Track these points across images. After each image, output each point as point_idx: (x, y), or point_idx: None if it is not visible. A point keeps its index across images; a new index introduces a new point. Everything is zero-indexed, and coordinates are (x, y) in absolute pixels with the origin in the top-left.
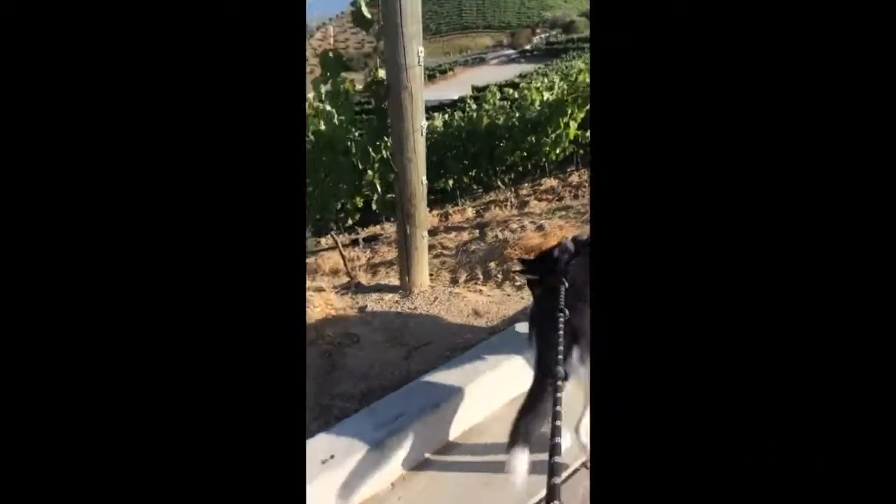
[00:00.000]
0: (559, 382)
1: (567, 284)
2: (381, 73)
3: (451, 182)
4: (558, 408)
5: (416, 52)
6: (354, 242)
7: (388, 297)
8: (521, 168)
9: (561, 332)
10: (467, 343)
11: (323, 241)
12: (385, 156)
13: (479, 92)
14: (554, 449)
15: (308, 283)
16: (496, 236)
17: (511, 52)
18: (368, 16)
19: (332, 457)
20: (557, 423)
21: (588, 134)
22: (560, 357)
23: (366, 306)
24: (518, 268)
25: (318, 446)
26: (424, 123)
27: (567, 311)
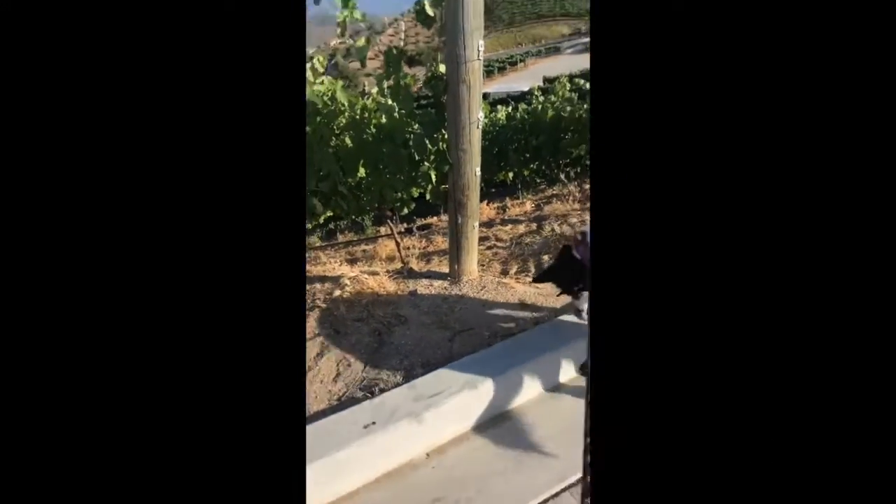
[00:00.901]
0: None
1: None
2: (442, 68)
3: (510, 175)
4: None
5: (476, 46)
6: (409, 231)
7: (437, 283)
8: (587, 162)
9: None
10: (510, 331)
11: (382, 229)
12: (441, 148)
13: (550, 83)
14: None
15: (364, 268)
16: (553, 230)
17: (588, 40)
18: (431, 14)
19: (373, 423)
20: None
21: None
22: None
23: (416, 291)
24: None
25: (362, 413)
26: (481, 116)
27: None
